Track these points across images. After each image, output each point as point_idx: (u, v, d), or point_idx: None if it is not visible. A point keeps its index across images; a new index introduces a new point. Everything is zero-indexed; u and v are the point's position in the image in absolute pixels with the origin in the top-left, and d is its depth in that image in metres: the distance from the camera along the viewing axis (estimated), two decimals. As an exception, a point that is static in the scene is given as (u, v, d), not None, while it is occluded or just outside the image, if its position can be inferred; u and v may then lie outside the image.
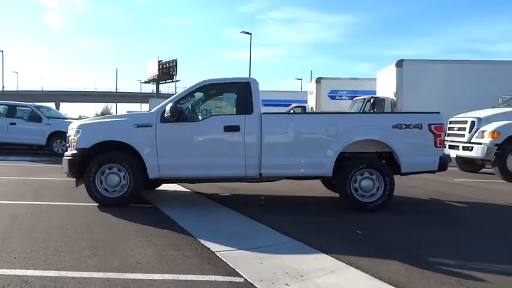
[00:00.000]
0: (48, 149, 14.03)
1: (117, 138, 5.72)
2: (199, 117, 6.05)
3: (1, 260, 3.63)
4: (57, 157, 13.24)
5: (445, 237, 4.70)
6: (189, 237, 4.44)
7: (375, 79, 17.51)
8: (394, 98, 14.45)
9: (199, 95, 6.12)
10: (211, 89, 6.22)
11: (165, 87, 67.64)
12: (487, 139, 9.42)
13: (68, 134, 6.12)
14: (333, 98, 19.07)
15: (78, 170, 5.84)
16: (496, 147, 9.27)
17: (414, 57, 14.42)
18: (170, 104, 5.58)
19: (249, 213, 5.54)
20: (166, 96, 61.28)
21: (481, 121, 9.75)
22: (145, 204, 6.05)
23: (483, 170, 10.98)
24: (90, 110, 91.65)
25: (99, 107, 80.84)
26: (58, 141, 13.94)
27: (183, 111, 5.83)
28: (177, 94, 5.94)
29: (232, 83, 6.06)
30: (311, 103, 19.56)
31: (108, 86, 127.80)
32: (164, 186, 7.35)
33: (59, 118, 14.93)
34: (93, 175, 5.72)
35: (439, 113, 6.00)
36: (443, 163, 5.92)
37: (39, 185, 7.83)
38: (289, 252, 4.02)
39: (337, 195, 7.16)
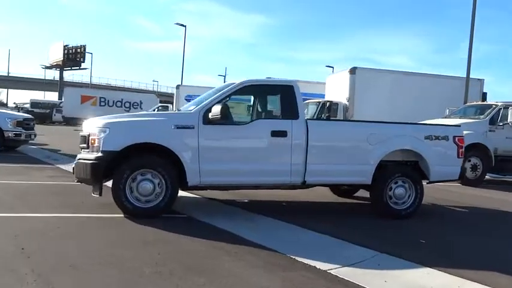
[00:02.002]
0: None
1: (155, 140, 5.04)
2: (243, 119, 5.63)
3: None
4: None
5: (495, 240, 5.07)
6: (275, 253, 4.10)
7: (319, 83, 18.21)
8: (347, 103, 15.16)
9: (240, 95, 5.68)
10: (253, 90, 5.82)
11: (70, 75, 62.10)
12: (448, 147, 10.35)
13: (85, 133, 5.21)
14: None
15: (104, 176, 5.03)
16: (456, 155, 10.25)
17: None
18: (219, 106, 5.08)
19: (292, 220, 5.31)
20: (71, 84, 56.38)
21: (443, 130, 10.68)
22: (175, 214, 5.43)
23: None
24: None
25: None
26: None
27: (224, 113, 5.34)
28: (218, 94, 5.41)
29: (275, 85, 5.77)
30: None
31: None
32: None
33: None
34: (124, 182, 4.97)
35: (459, 126, 6.43)
36: (463, 173, 6.36)
37: (13, 190, 6.60)
38: (393, 267, 3.94)
39: (349, 200, 7.33)
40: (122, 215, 5.11)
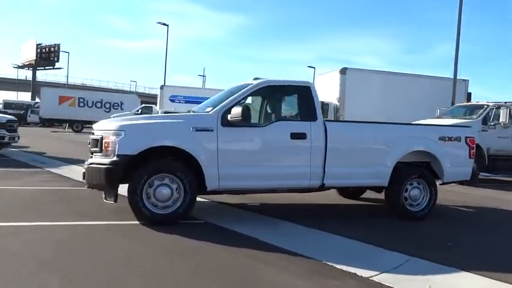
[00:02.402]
0: None
1: (174, 143, 4.82)
2: (261, 121, 5.45)
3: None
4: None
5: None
6: (311, 260, 3.96)
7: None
8: (338, 104, 15.19)
9: (257, 96, 5.52)
10: (270, 91, 5.66)
11: (43, 74, 60.17)
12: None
13: (98, 136, 4.93)
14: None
15: (119, 181, 4.77)
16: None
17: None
18: (240, 107, 4.91)
19: (313, 224, 5.20)
20: (45, 84, 54.50)
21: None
22: (191, 220, 5.21)
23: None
24: None
25: None
26: None
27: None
28: (236, 95, 5.23)
29: (292, 86, 5.64)
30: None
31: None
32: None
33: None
34: (141, 188, 4.73)
35: (470, 127, 6.47)
36: (474, 173, 6.41)
37: (10, 196, 6.25)
38: (432, 272, 3.84)
39: (354, 202, 7.28)
40: (134, 222, 4.89)
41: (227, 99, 5.31)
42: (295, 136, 5.26)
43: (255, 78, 18.78)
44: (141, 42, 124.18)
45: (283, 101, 5.91)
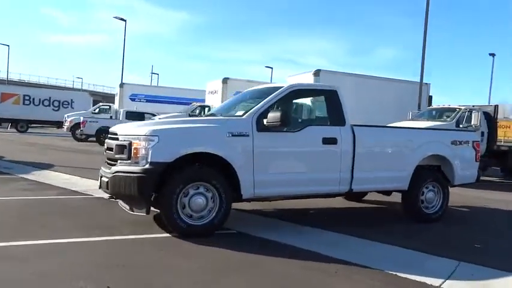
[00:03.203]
0: None
1: (211, 149, 4.51)
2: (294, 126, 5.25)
3: None
4: None
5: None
6: (371, 269, 3.87)
7: (278, 84, 18.16)
8: (311, 105, 15.28)
9: (286, 100, 5.31)
10: (296, 95, 5.50)
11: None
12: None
13: (124, 141, 4.47)
14: (238, 99, 19.06)
15: (152, 191, 4.38)
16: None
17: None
18: (278, 111, 4.72)
19: (342, 230, 5.17)
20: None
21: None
22: (223, 231, 4.90)
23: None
24: None
25: None
26: None
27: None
28: (268, 98, 5.00)
29: (320, 90, 5.56)
30: (214, 103, 19.00)
31: None
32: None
33: None
34: (177, 197, 4.38)
35: (475, 131, 6.75)
36: (479, 175, 6.69)
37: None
38: (488, 277, 3.90)
39: (358, 204, 7.32)
40: (161, 235, 4.61)
41: (252, 102, 5.10)
42: (327, 141, 5.16)
43: (225, 78, 18.41)
44: (82, 37, 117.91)
45: (311, 106, 5.79)
